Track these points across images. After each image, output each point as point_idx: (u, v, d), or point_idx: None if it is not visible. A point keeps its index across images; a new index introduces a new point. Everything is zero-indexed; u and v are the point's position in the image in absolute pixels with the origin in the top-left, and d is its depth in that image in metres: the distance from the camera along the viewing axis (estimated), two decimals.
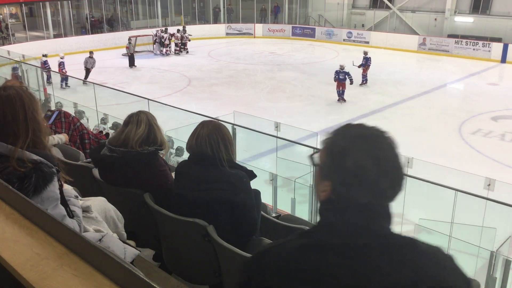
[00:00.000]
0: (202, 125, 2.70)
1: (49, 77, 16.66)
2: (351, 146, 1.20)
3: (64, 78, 17.30)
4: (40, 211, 1.37)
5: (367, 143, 1.20)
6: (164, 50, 24.34)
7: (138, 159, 2.83)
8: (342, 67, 15.77)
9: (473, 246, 5.64)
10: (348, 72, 15.74)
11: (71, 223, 1.95)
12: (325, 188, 1.23)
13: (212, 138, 2.61)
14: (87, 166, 3.29)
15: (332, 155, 1.22)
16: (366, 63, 17.92)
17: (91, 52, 18.67)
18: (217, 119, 4.67)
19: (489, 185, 6.33)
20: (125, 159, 2.83)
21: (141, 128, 2.87)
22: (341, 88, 15.79)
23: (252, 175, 2.74)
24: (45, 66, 17.40)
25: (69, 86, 17.27)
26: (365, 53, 18.17)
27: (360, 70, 17.91)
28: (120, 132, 2.92)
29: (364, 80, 18.05)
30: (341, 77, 15.70)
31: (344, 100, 15.85)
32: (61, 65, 17.90)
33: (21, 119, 1.88)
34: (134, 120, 2.91)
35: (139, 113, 2.97)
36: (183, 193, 2.69)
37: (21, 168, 1.79)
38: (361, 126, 1.26)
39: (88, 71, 18.33)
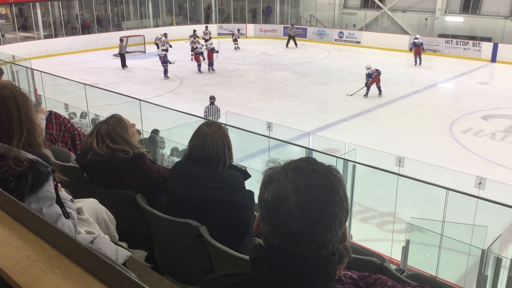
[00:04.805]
0: (207, 126, 2.70)
1: (166, 71, 19.12)
2: (278, 176, 1.04)
3: (211, 62, 20.33)
4: (31, 214, 1.36)
5: (299, 177, 1.01)
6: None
7: (124, 162, 2.81)
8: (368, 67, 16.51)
9: (465, 244, 5.67)
10: (378, 69, 16.47)
11: (66, 222, 1.94)
12: (257, 222, 1.10)
13: (219, 140, 2.64)
14: (78, 167, 3.27)
15: (261, 184, 1.08)
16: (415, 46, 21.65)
17: (212, 98, 13.21)
18: (207, 119, 4.66)
19: (480, 183, 6.36)
20: (112, 162, 2.82)
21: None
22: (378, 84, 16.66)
23: (246, 175, 2.77)
24: (165, 59, 18.98)
25: (214, 70, 20.34)
26: (416, 38, 21.94)
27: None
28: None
29: (419, 61, 21.69)
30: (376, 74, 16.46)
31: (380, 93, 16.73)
32: (212, 50, 20.14)
33: (15, 118, 1.88)
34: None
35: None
36: (179, 191, 2.69)
37: (17, 167, 1.80)
38: (307, 160, 1.07)
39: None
